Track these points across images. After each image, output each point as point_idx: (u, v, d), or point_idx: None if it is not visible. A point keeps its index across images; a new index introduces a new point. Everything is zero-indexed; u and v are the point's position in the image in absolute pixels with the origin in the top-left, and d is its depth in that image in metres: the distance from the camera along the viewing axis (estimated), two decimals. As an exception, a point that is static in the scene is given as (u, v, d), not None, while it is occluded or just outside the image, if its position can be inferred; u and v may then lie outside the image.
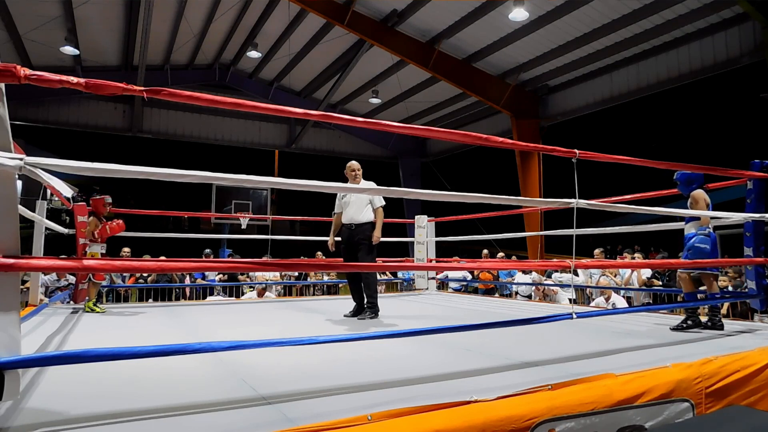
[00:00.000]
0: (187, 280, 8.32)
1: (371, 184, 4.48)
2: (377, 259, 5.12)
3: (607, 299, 6.07)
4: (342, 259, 4.89)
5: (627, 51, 10.80)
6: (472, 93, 12.75)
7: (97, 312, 4.73)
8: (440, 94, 14.59)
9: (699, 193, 3.65)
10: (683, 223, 3.75)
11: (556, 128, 13.55)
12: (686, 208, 3.67)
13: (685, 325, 3.53)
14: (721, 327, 3.51)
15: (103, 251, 4.94)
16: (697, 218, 3.59)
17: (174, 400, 1.86)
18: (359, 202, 4.54)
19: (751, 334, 3.41)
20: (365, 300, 4.47)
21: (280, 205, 19.09)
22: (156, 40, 12.81)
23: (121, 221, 4.96)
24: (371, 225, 4.54)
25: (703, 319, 3.65)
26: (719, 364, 2.27)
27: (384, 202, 4.67)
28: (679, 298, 5.96)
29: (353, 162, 4.60)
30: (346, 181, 4.69)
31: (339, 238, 4.78)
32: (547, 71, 12.30)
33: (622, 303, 6.21)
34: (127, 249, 7.94)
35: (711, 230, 3.59)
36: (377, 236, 4.48)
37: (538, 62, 11.85)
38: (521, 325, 2.61)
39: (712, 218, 3.68)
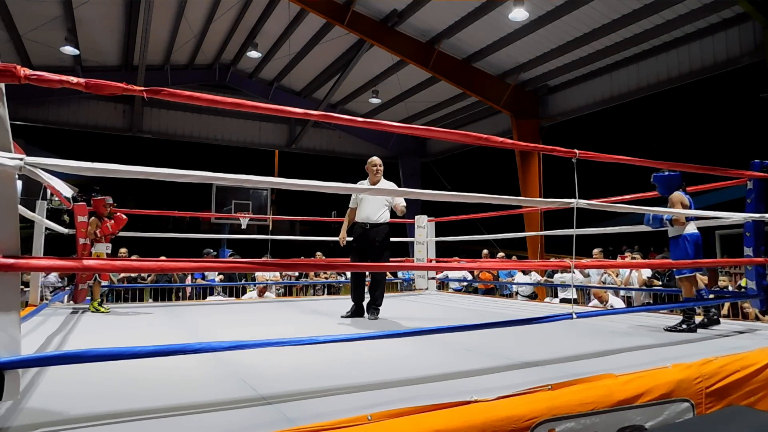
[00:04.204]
0: (188, 280, 8.32)
1: (391, 185, 4.45)
2: None
3: (605, 302, 6.04)
4: (344, 258, 4.83)
5: (627, 51, 10.80)
6: (472, 93, 12.75)
7: (102, 312, 4.73)
8: (440, 94, 14.59)
9: (676, 196, 3.65)
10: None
11: (556, 128, 13.54)
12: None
13: (679, 328, 3.53)
14: (717, 321, 3.51)
15: (108, 251, 4.94)
16: (674, 221, 3.59)
17: (174, 400, 1.86)
18: (376, 200, 4.40)
19: (751, 334, 3.41)
20: (372, 300, 4.41)
21: (280, 205, 19.07)
22: (156, 40, 12.81)
23: (122, 215, 4.95)
24: (388, 226, 4.45)
25: (699, 318, 3.65)
26: (719, 364, 2.27)
27: (405, 202, 4.57)
28: (681, 298, 5.97)
29: (375, 158, 4.46)
30: (359, 178, 4.63)
31: (350, 238, 4.65)
32: (547, 71, 12.30)
33: (619, 304, 6.20)
34: (124, 250, 7.95)
35: (695, 230, 3.60)
36: (401, 207, 4.40)
37: (538, 62, 11.84)
38: (521, 325, 2.61)
39: (711, 218, 3.69)
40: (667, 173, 3.72)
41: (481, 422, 1.63)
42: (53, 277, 7.60)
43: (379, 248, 4.35)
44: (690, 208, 3.64)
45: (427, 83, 14.06)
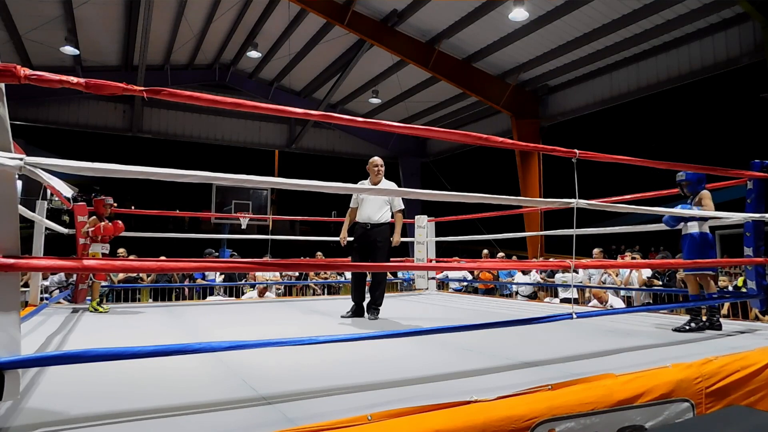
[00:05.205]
0: (188, 280, 8.32)
1: (392, 185, 4.45)
2: None
3: (604, 302, 6.03)
4: (344, 258, 4.83)
5: (627, 51, 10.81)
6: (472, 93, 12.76)
7: (101, 312, 4.73)
8: (440, 94, 14.60)
9: (708, 192, 3.67)
10: (681, 223, 3.74)
11: (556, 128, 13.56)
12: (685, 208, 3.67)
13: (688, 327, 3.53)
14: (719, 327, 3.51)
15: (105, 251, 4.94)
16: (697, 218, 3.61)
17: (174, 400, 1.86)
18: (377, 200, 4.40)
19: (751, 334, 3.41)
20: (372, 300, 4.41)
21: (280, 205, 19.08)
22: (156, 40, 12.81)
23: (119, 222, 4.95)
24: (389, 226, 4.45)
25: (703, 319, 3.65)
26: (719, 364, 2.27)
27: (403, 206, 4.57)
28: (681, 298, 5.97)
29: (377, 158, 4.45)
30: (359, 178, 4.63)
31: (350, 238, 4.64)
32: (547, 71, 12.31)
33: (619, 304, 6.20)
34: (122, 250, 7.96)
35: (707, 230, 3.63)
36: (397, 240, 4.45)
37: (538, 62, 11.85)
38: (521, 325, 2.61)
39: (712, 218, 3.69)
40: (699, 173, 3.72)
41: (481, 422, 1.63)
42: (58, 275, 7.59)
43: (381, 248, 4.35)
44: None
45: (427, 83, 14.06)
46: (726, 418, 1.73)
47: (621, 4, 9.33)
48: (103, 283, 5.16)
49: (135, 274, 7.64)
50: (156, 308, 5.43)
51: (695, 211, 3.56)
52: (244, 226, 10.79)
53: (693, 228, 3.65)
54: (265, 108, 2.11)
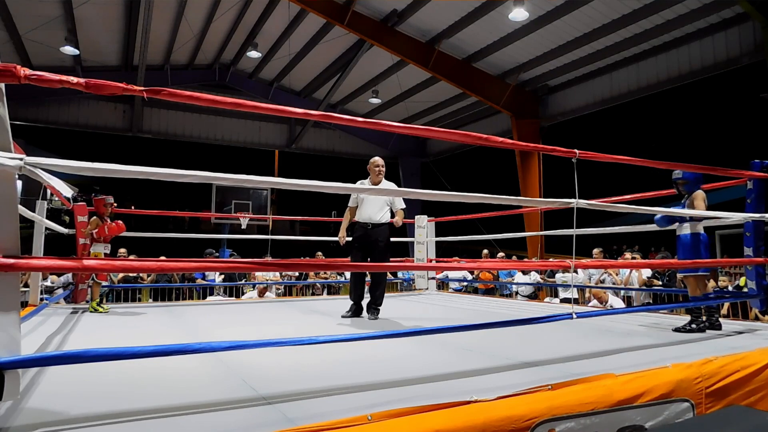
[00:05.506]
0: (188, 280, 8.32)
1: (392, 185, 4.45)
2: None
3: (604, 302, 6.03)
4: (344, 258, 4.82)
5: (627, 51, 10.81)
6: (472, 93, 12.76)
7: (101, 312, 4.73)
8: (440, 94, 14.59)
9: (702, 193, 3.66)
10: (676, 223, 3.73)
11: (556, 128, 13.55)
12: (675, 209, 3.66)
13: (689, 328, 3.53)
14: (719, 327, 3.51)
15: (107, 251, 4.94)
16: (692, 218, 3.60)
17: (174, 400, 1.86)
18: (378, 200, 4.41)
19: (751, 334, 3.41)
20: (372, 300, 4.41)
21: (280, 205, 19.09)
22: (156, 40, 12.81)
23: (121, 222, 4.96)
24: (389, 226, 4.45)
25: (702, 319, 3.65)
26: (719, 364, 2.27)
27: (405, 206, 4.58)
28: (681, 298, 5.97)
29: (378, 158, 4.45)
30: (359, 178, 4.63)
31: (350, 238, 4.64)
32: (547, 71, 12.30)
33: (619, 304, 6.20)
34: (123, 250, 7.96)
35: (701, 230, 3.61)
36: (399, 222, 4.44)
37: (538, 62, 11.85)
38: (521, 325, 2.61)
39: (711, 218, 3.69)
40: (697, 172, 3.71)
41: (481, 422, 1.63)
42: (65, 275, 7.59)
43: (381, 248, 4.35)
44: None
45: (427, 83, 14.06)
46: (726, 418, 1.73)
47: (621, 4, 9.33)
48: (104, 283, 5.16)
49: (135, 274, 7.64)
50: (156, 308, 5.43)
51: (685, 211, 3.55)
52: (244, 226, 10.78)
53: (685, 229, 3.64)
54: (265, 108, 2.11)
